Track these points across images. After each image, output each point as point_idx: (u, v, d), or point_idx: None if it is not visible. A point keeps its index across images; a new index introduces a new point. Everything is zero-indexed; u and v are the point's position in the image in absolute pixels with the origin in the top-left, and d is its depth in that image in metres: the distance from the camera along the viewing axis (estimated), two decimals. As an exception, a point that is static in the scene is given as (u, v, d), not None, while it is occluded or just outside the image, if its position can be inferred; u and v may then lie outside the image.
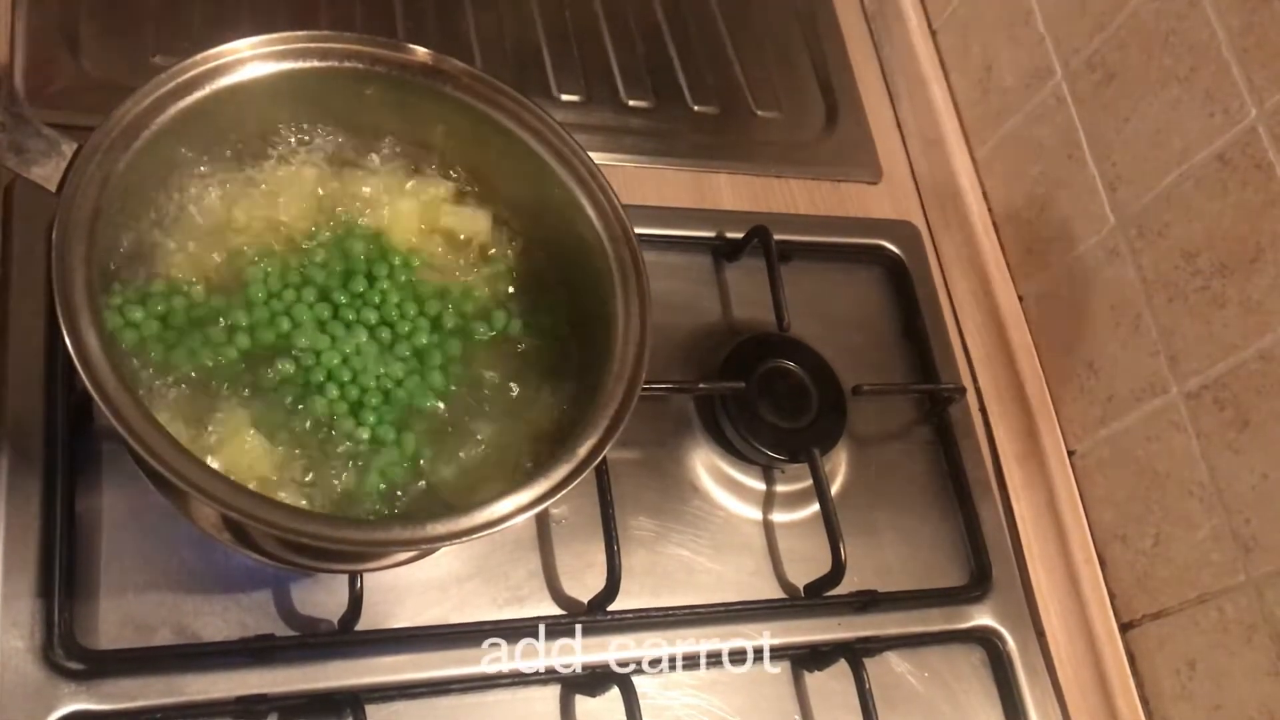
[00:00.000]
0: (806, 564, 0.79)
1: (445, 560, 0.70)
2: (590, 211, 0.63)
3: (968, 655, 0.81)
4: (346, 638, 0.65)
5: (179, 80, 0.57)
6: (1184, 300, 0.78)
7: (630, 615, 0.72)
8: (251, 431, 0.57)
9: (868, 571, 0.80)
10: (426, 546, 0.60)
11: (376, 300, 0.62)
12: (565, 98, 0.90)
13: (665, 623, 0.73)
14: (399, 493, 0.59)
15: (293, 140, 0.64)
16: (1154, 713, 0.80)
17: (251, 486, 0.54)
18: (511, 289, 0.66)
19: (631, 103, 0.93)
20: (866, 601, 0.78)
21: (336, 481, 0.58)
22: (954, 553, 0.84)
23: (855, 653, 0.75)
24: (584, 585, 0.72)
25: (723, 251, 0.88)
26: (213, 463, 0.54)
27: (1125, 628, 0.82)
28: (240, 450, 0.56)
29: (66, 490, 0.63)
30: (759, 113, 0.97)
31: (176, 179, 0.61)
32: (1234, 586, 0.74)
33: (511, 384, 0.64)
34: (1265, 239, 0.72)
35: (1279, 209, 0.71)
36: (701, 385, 0.80)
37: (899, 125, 1.01)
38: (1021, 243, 0.92)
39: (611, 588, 0.70)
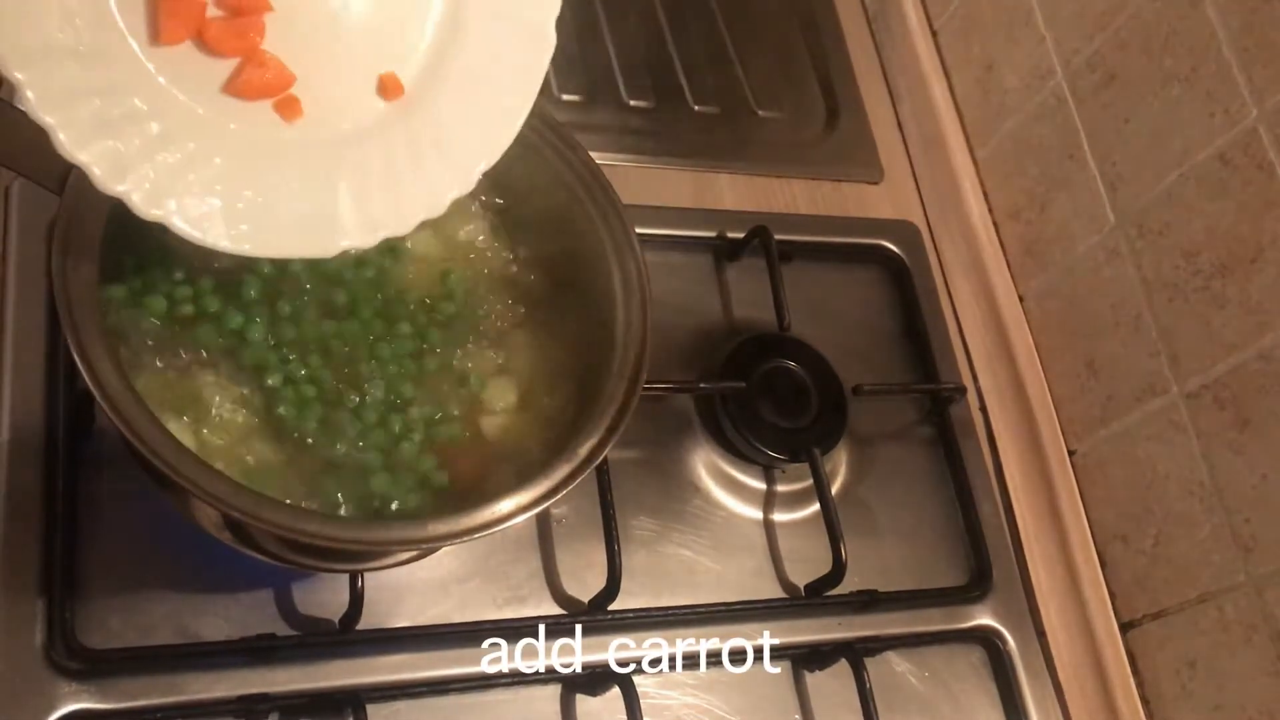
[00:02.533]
0: (807, 564, 0.79)
1: (446, 560, 0.70)
2: (591, 211, 0.63)
3: (968, 655, 0.81)
4: (347, 637, 0.65)
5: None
6: (1184, 300, 0.78)
7: (630, 615, 0.72)
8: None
9: (868, 571, 0.80)
10: (427, 546, 0.60)
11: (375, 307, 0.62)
12: (566, 98, 0.91)
13: (665, 622, 0.73)
14: (400, 498, 0.59)
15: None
16: (1154, 713, 0.80)
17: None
18: (511, 289, 0.66)
19: (632, 103, 0.93)
20: (867, 601, 0.78)
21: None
22: (954, 552, 0.84)
23: (856, 652, 0.75)
24: (584, 585, 0.72)
25: (723, 251, 0.88)
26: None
27: (1125, 628, 0.82)
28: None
29: (67, 490, 0.63)
30: (759, 113, 0.97)
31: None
32: (1234, 586, 0.75)
33: (511, 385, 0.64)
34: (1265, 239, 0.72)
35: (1279, 209, 0.71)
36: (702, 385, 0.80)
37: (899, 125, 1.01)
38: (1021, 243, 0.92)
39: (612, 587, 0.70)
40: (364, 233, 0.52)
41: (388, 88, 0.54)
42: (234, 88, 0.50)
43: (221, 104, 0.50)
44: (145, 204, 0.48)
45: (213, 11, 0.50)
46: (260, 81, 0.51)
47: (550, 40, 0.55)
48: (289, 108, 0.51)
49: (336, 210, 0.52)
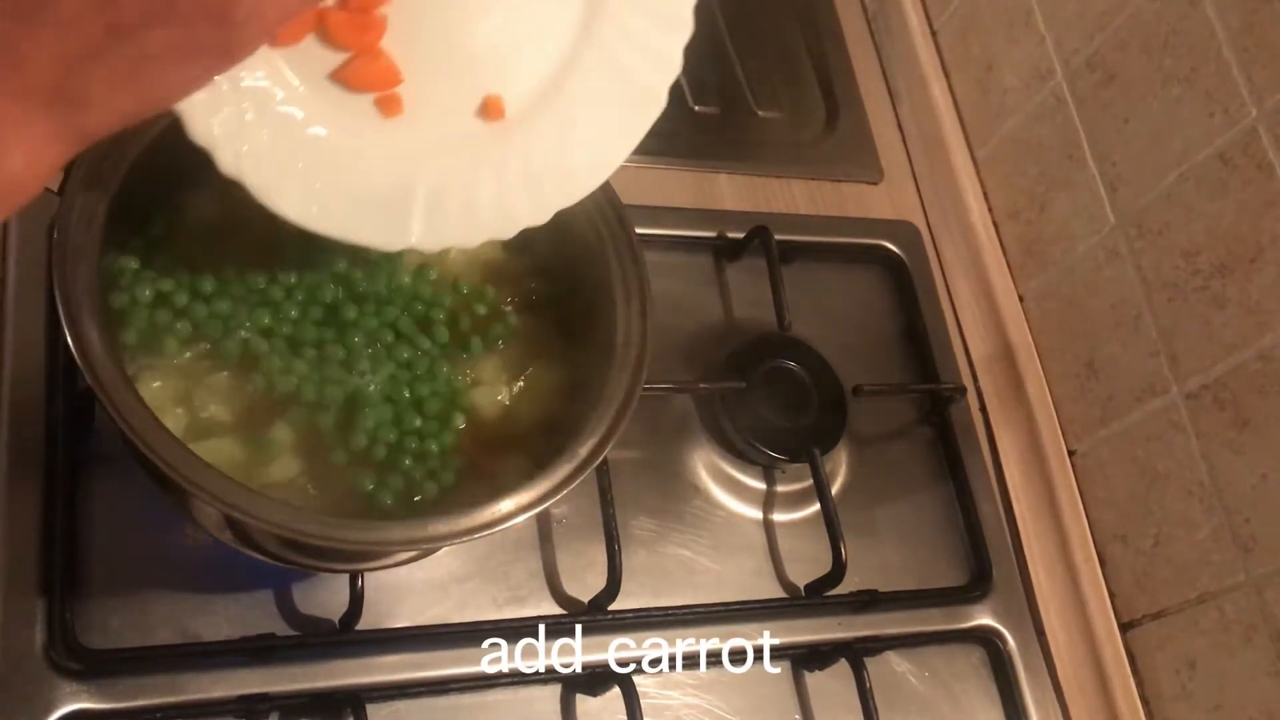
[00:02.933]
0: (807, 564, 0.79)
1: (446, 560, 0.70)
2: (591, 212, 0.63)
3: (968, 655, 0.81)
4: (347, 637, 0.65)
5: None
6: (1184, 300, 0.78)
7: (630, 615, 0.72)
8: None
9: (868, 571, 0.80)
10: (427, 546, 0.60)
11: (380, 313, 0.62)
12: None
13: (665, 622, 0.73)
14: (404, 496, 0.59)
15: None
16: (1154, 713, 0.80)
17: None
18: (512, 291, 0.66)
19: (632, 103, 0.93)
20: (867, 601, 0.78)
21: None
22: (954, 552, 0.84)
23: (855, 652, 0.75)
24: (584, 585, 0.72)
25: (723, 251, 0.88)
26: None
27: (1125, 627, 0.82)
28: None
29: (66, 490, 0.63)
30: (759, 113, 0.97)
31: (182, 179, 0.60)
32: (1234, 586, 0.75)
33: (512, 384, 0.64)
34: (1265, 239, 0.72)
35: (1279, 209, 0.71)
36: (702, 385, 0.80)
37: (899, 125, 1.01)
38: (1021, 243, 0.92)
39: (612, 587, 0.70)
40: (430, 238, 0.53)
41: (490, 109, 0.54)
42: (342, 75, 0.51)
43: (325, 87, 0.51)
44: (228, 161, 0.49)
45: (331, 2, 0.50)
46: (368, 73, 0.52)
47: (660, 103, 0.56)
48: (390, 105, 0.52)
49: (410, 211, 0.53)
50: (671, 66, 0.56)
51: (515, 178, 0.54)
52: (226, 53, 0.42)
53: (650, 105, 0.56)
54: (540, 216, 0.55)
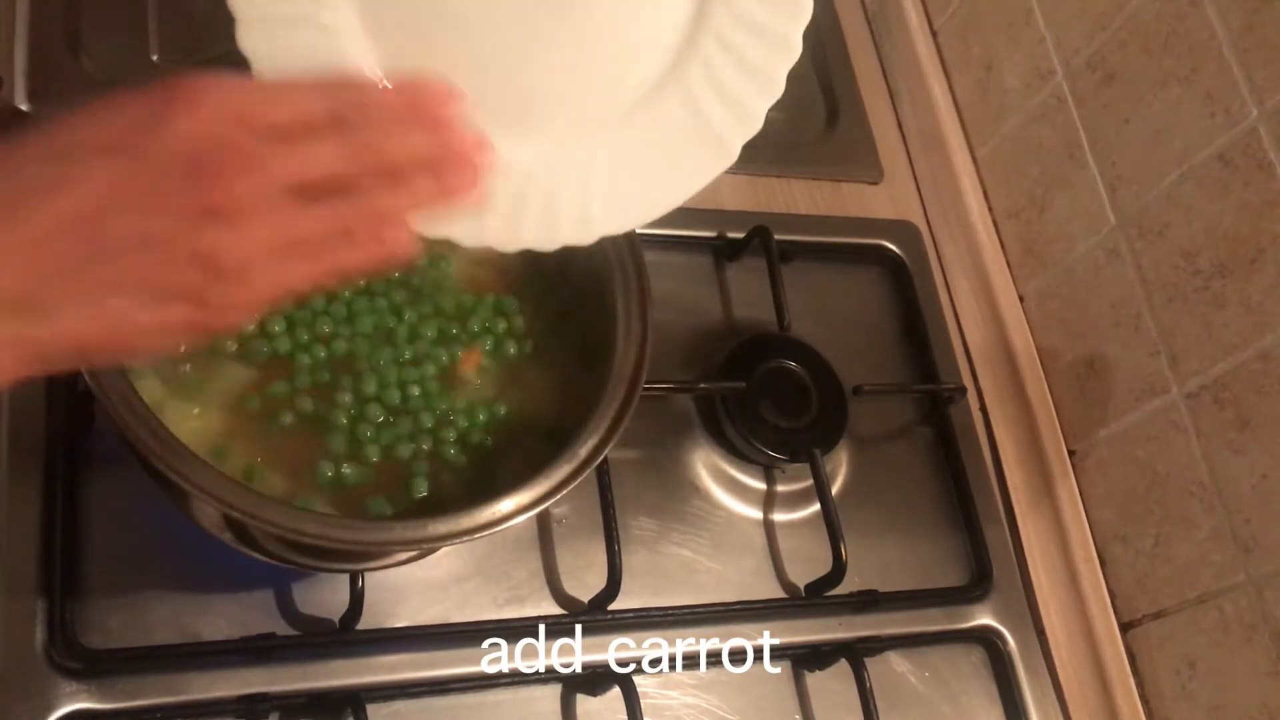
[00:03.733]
0: (807, 564, 0.79)
1: (446, 560, 0.70)
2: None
3: (968, 655, 0.81)
4: (347, 637, 0.65)
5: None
6: (1184, 300, 0.78)
7: (630, 615, 0.72)
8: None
9: (868, 571, 0.80)
10: (427, 546, 0.60)
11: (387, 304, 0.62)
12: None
13: (665, 622, 0.73)
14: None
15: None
16: (1154, 712, 0.80)
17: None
18: (513, 289, 0.66)
19: (632, 102, 0.93)
20: (867, 601, 0.78)
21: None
22: (954, 552, 0.84)
23: (856, 652, 0.75)
24: (584, 585, 0.72)
25: (723, 251, 0.88)
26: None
27: (1125, 627, 0.82)
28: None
29: (66, 490, 0.63)
30: (759, 113, 0.97)
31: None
32: (1234, 586, 0.75)
33: (511, 384, 0.64)
34: (1265, 239, 0.72)
35: (1279, 209, 0.71)
36: (702, 385, 0.80)
37: (899, 125, 1.01)
38: (1021, 243, 0.92)
39: (612, 587, 0.70)
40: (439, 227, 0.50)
41: None
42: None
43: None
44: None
45: None
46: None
47: (732, 156, 0.54)
48: None
49: None
50: (753, 121, 0.53)
51: (537, 199, 0.51)
52: (203, 304, 0.39)
53: (720, 155, 0.54)
54: (549, 244, 0.52)
